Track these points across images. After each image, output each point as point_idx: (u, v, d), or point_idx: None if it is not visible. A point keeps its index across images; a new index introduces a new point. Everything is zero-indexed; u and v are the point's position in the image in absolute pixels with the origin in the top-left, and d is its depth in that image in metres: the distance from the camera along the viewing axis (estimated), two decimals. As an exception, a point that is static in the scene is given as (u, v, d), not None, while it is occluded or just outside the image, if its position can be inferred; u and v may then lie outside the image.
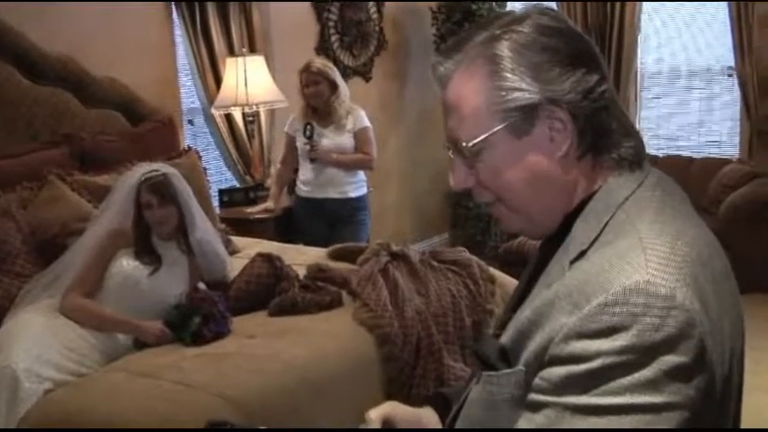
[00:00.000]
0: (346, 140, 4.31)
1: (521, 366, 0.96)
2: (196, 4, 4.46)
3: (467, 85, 1.04)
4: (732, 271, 1.04)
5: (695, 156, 5.28)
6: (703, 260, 0.96)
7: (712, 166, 5.09)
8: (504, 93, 1.01)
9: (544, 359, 0.93)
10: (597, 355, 0.87)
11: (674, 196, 1.04)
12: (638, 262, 0.91)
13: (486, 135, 1.02)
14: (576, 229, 1.02)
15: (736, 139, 5.29)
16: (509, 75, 1.01)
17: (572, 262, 0.98)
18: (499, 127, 1.02)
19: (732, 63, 5.13)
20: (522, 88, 1.01)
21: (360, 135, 4.32)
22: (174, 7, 4.48)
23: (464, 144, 1.04)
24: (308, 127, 4.20)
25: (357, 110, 4.36)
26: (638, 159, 1.05)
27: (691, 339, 0.87)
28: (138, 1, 4.27)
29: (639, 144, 1.06)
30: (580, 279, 0.93)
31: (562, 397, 0.89)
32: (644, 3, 5.44)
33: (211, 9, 4.55)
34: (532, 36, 1.02)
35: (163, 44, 4.48)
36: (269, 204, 4.56)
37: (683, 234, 0.97)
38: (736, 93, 5.16)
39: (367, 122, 4.36)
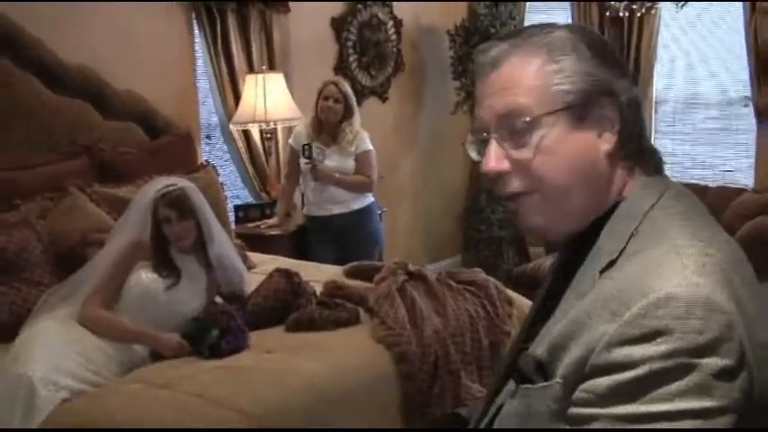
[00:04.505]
0: (349, 163, 4.35)
1: (558, 379, 0.95)
2: (217, 19, 4.50)
3: (529, 64, 1.04)
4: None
5: (710, 184, 5.28)
6: (735, 265, 0.97)
7: (727, 195, 5.06)
8: (565, 77, 1.03)
9: (584, 371, 0.92)
10: (642, 361, 0.86)
11: (697, 206, 1.06)
12: (675, 267, 0.91)
13: (550, 111, 1.02)
14: (604, 238, 1.02)
15: (752, 169, 5.27)
16: (569, 61, 1.03)
17: (602, 271, 0.98)
18: (560, 107, 1.02)
19: (749, 93, 5.13)
20: (582, 75, 1.03)
21: (361, 158, 4.36)
22: (195, 22, 4.51)
23: (525, 118, 1.02)
24: (306, 147, 4.22)
25: (362, 132, 4.39)
26: (661, 169, 1.09)
27: (732, 341, 0.87)
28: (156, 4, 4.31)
29: (659, 154, 1.10)
30: (616, 287, 0.93)
31: (610, 408, 0.88)
32: (662, 30, 5.46)
33: (232, 25, 4.58)
34: (580, 35, 1.07)
35: (183, 58, 4.51)
36: (274, 221, 4.58)
37: (714, 240, 0.98)
38: (753, 122, 5.16)
39: (370, 146, 4.39)
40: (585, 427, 0.90)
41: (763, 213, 4.71)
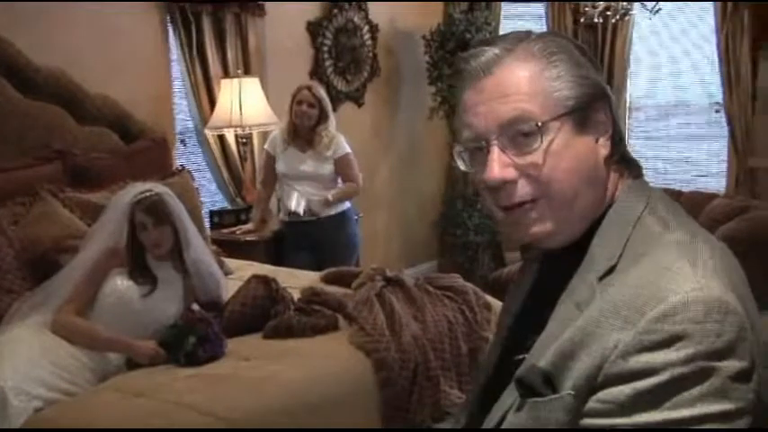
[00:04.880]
0: (326, 167, 4.33)
1: (569, 390, 0.93)
2: (192, 23, 4.45)
3: (526, 70, 1.02)
4: None
5: (683, 189, 5.33)
6: (733, 266, 0.98)
7: (700, 200, 5.11)
8: (565, 82, 1.02)
9: (596, 381, 0.90)
10: (663, 367, 0.85)
11: (680, 209, 1.07)
12: (686, 271, 0.91)
13: (556, 117, 1.01)
14: (597, 244, 1.02)
15: (724, 174, 5.34)
16: (566, 65, 1.03)
17: (601, 278, 0.97)
18: (565, 112, 1.01)
19: (720, 99, 5.20)
20: (579, 79, 1.03)
21: (342, 161, 4.34)
22: (170, 26, 4.47)
23: (533, 124, 1.00)
24: (306, 211, 4.22)
25: (338, 136, 4.37)
26: (642, 173, 1.11)
27: (746, 342, 0.87)
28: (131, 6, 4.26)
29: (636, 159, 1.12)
30: (626, 293, 0.92)
31: (632, 416, 0.87)
32: (634, 36, 5.51)
33: (207, 29, 4.54)
34: (566, 39, 1.07)
35: (158, 63, 4.47)
36: (249, 226, 4.55)
37: (710, 242, 0.99)
38: (725, 128, 5.22)
39: (348, 148, 4.37)
40: None
41: (736, 218, 4.77)
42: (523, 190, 1.02)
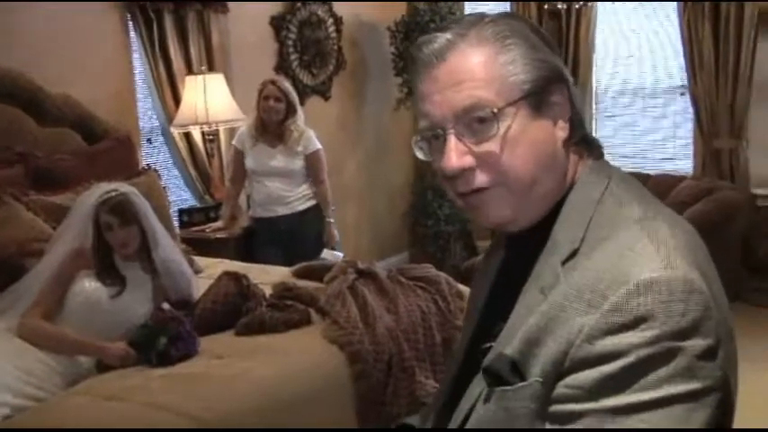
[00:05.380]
0: (296, 163, 4.32)
1: (537, 378, 0.92)
2: (153, 20, 4.39)
3: (479, 55, 1.00)
4: None
5: (651, 173, 5.37)
6: (698, 244, 0.98)
7: (668, 182, 5.17)
8: (520, 66, 1.00)
9: (563, 366, 0.89)
10: (629, 349, 0.85)
11: (643, 189, 1.06)
12: (648, 251, 0.90)
13: (512, 102, 0.99)
14: (559, 229, 1.01)
15: (690, 156, 5.38)
16: (520, 49, 1.01)
17: (564, 262, 0.96)
18: (521, 97, 1.00)
19: (685, 82, 5.23)
20: (535, 62, 1.01)
21: (312, 158, 4.34)
22: (130, 23, 4.40)
23: (489, 110, 0.99)
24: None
25: (307, 131, 4.36)
26: (602, 154, 1.09)
27: (710, 320, 0.87)
28: (91, 4, 4.19)
29: (598, 140, 1.11)
30: (589, 277, 0.91)
31: (599, 401, 0.86)
32: (598, 20, 5.54)
33: (169, 25, 4.48)
34: (522, 22, 1.06)
35: (119, 61, 4.40)
36: (219, 224, 4.51)
37: (673, 220, 0.99)
38: (690, 111, 5.26)
39: (318, 144, 4.37)
40: (573, 423, 0.88)
41: (703, 199, 4.82)
42: (481, 177, 1.01)
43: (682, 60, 5.19)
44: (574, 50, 5.55)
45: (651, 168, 5.49)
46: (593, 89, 5.72)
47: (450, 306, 3.11)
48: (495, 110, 0.99)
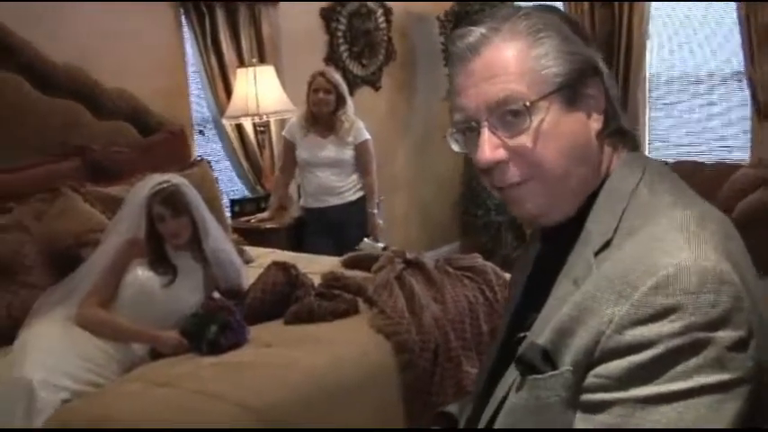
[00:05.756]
0: (347, 153, 4.36)
1: (568, 366, 0.93)
2: (206, 14, 4.47)
3: (512, 49, 1.01)
4: None
5: (706, 161, 5.26)
6: (729, 235, 0.97)
7: (724, 171, 5.05)
8: (552, 59, 1.01)
9: (593, 356, 0.90)
10: (659, 339, 0.85)
11: (678, 180, 1.05)
12: (678, 242, 0.90)
13: (544, 95, 1.00)
14: (592, 220, 1.01)
15: (747, 144, 5.26)
16: (553, 42, 1.01)
17: (597, 253, 0.97)
18: (554, 90, 1.01)
19: (742, 68, 5.11)
20: (568, 55, 1.01)
21: (361, 148, 4.38)
22: (183, 18, 4.49)
23: (522, 104, 1.00)
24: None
25: (357, 122, 4.39)
26: (638, 145, 1.10)
27: (742, 312, 0.86)
28: (145, 1, 4.28)
29: (633, 131, 1.10)
30: (620, 268, 0.91)
31: (628, 391, 0.86)
32: (652, 8, 5.43)
33: (221, 19, 4.55)
34: (556, 14, 1.06)
35: (173, 54, 4.49)
36: (266, 214, 4.57)
37: (706, 211, 0.98)
38: (747, 97, 5.13)
39: (367, 135, 4.40)
40: (603, 412, 0.88)
41: (761, 188, 4.71)
42: (514, 171, 1.02)
43: (738, 46, 5.06)
44: (627, 38, 5.45)
45: (707, 157, 5.38)
46: (647, 77, 5.62)
47: (497, 296, 3.11)
48: (528, 103, 1.00)
